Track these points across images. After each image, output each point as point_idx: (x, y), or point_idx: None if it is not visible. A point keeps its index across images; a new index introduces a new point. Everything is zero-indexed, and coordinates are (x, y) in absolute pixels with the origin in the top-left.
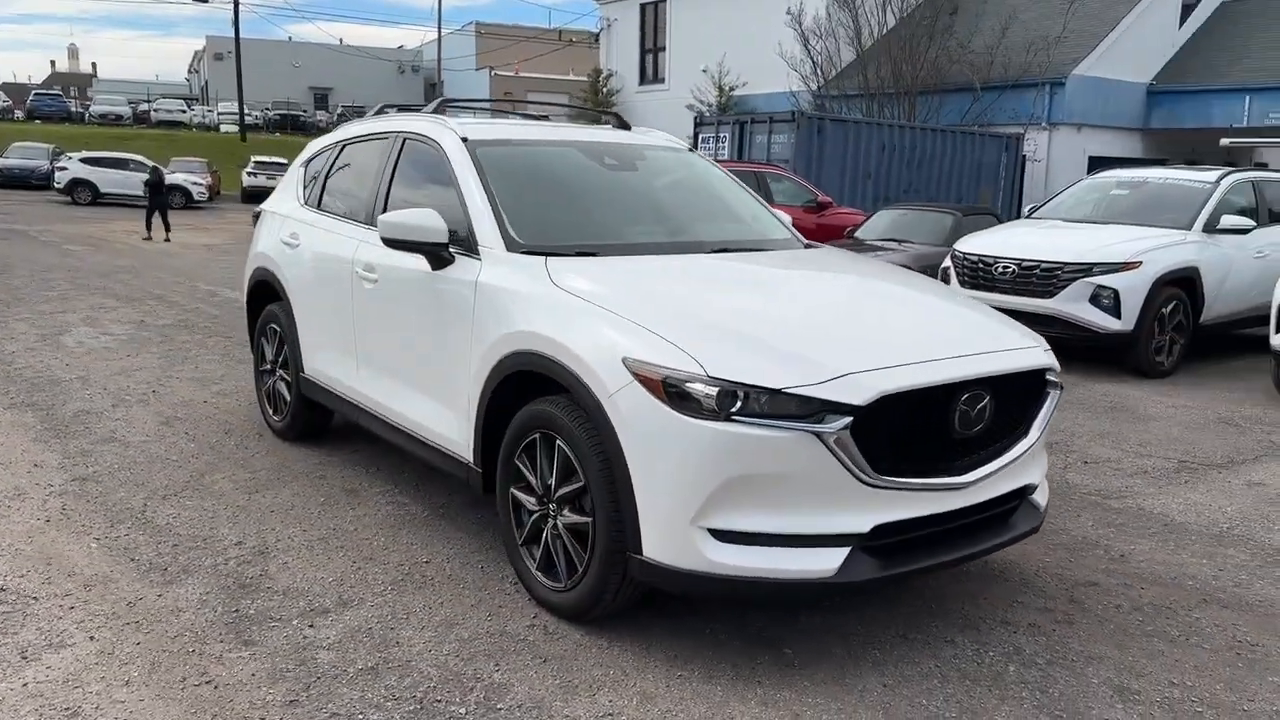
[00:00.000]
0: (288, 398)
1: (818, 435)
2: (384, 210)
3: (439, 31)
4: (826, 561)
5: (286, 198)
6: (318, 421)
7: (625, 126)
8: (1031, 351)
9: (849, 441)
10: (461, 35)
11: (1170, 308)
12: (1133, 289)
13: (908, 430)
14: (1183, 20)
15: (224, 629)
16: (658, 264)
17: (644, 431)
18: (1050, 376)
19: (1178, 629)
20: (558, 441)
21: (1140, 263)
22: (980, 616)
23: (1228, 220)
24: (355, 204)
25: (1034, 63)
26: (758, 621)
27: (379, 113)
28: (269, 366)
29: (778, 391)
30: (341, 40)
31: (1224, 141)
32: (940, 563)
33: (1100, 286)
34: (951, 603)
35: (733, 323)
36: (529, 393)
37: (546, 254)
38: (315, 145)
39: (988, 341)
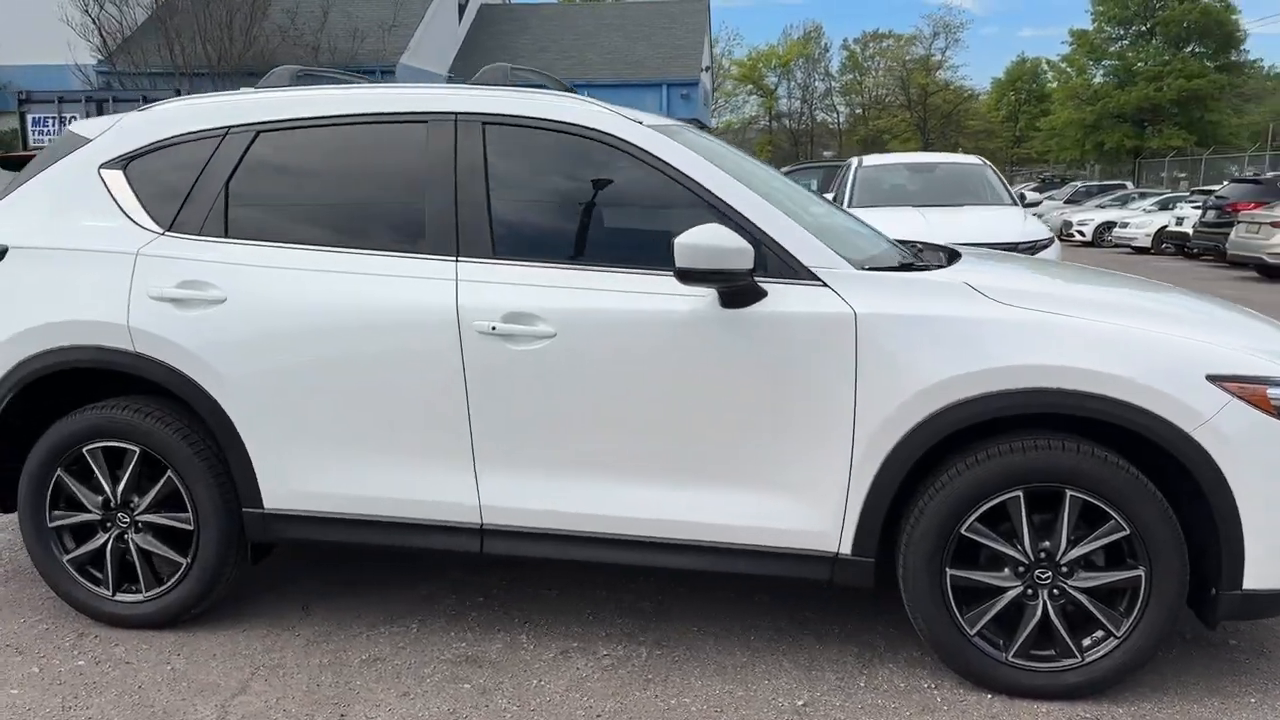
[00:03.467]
0: (182, 559)
1: None
2: (489, 231)
3: None
4: None
5: (103, 223)
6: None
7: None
8: None
9: None
10: None
11: None
12: None
13: None
14: (460, 18)
15: None
16: (990, 269)
17: (1258, 454)
18: None
19: None
20: (1069, 493)
21: None
22: None
23: None
24: (380, 226)
25: (360, 49)
26: None
27: (301, 79)
28: (97, 516)
29: None
30: None
31: None
32: None
33: None
34: None
35: (1194, 319)
36: (953, 446)
37: (885, 269)
38: (135, 134)
39: None
